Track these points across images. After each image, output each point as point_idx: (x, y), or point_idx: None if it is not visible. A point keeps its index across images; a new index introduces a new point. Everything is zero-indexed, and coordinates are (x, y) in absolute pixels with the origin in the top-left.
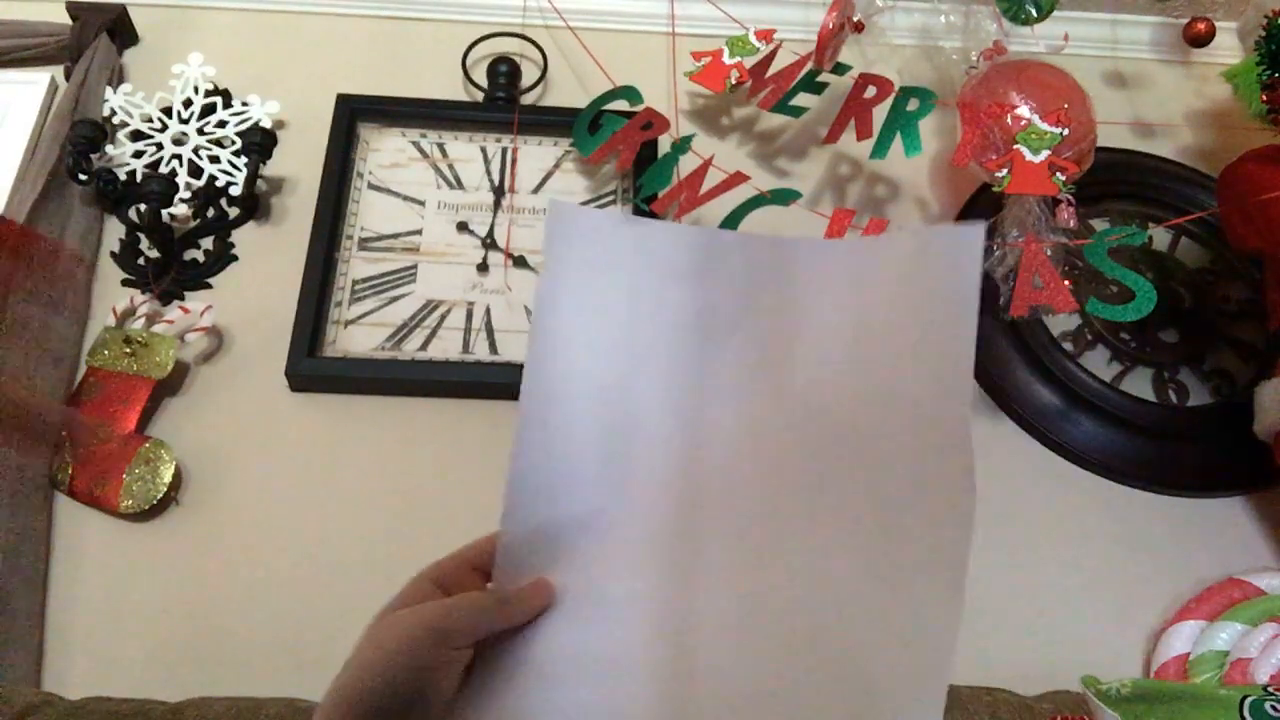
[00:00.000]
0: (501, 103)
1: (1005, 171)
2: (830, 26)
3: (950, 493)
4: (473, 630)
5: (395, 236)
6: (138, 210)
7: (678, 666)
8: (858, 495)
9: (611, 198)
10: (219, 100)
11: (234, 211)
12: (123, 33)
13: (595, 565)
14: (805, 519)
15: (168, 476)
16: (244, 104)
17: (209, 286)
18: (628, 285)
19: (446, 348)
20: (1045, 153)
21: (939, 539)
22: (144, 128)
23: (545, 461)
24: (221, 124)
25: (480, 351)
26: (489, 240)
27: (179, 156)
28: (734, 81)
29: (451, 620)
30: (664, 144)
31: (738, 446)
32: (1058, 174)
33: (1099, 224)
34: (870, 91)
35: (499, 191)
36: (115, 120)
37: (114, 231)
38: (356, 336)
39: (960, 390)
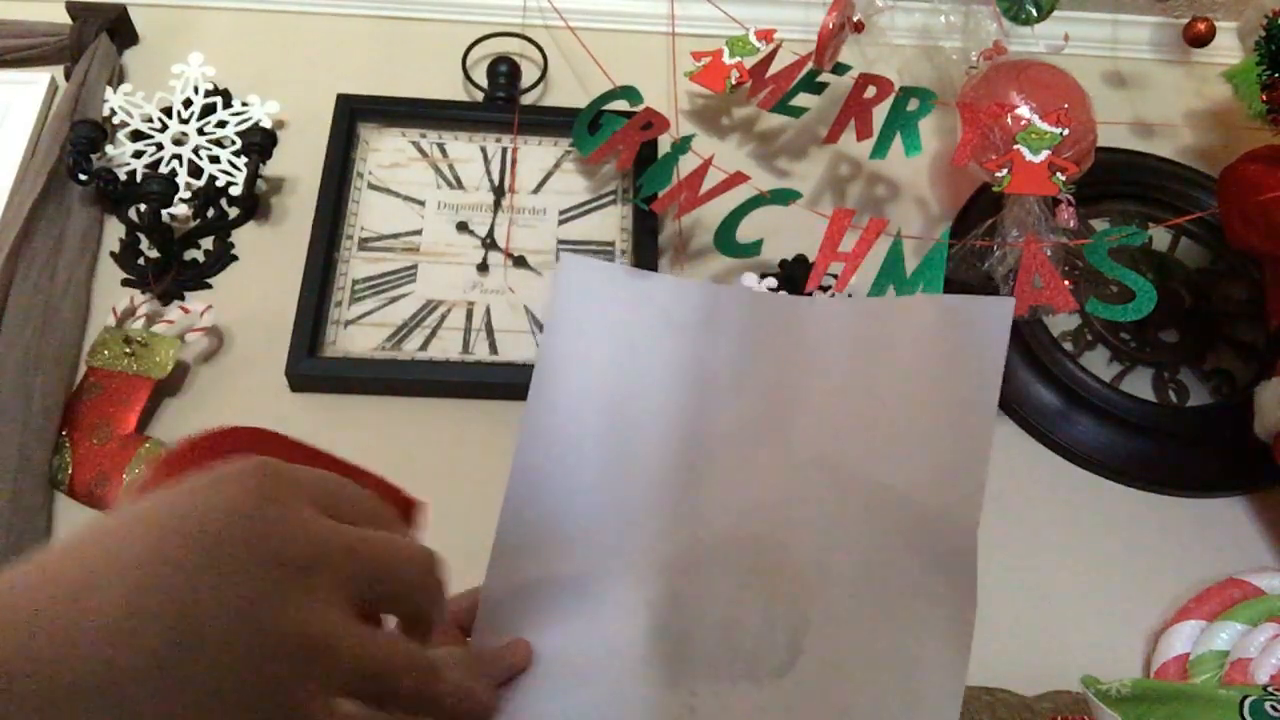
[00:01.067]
0: (501, 103)
1: (1005, 171)
2: (830, 26)
3: (951, 609)
4: None
5: (395, 236)
6: (138, 210)
7: None
8: (859, 580)
9: (611, 198)
10: (219, 100)
11: (234, 211)
12: (123, 33)
13: (578, 634)
14: (805, 591)
15: None
16: (244, 104)
17: (209, 286)
18: (630, 337)
19: (446, 348)
20: (1045, 153)
21: (939, 653)
22: (144, 128)
23: (537, 519)
24: (221, 124)
25: (480, 352)
26: (489, 240)
27: (179, 156)
28: (734, 81)
29: None
30: (664, 144)
31: (736, 510)
32: (1058, 174)
33: (1099, 224)
34: (870, 91)
35: (499, 191)
36: (115, 120)
37: (114, 231)
38: (356, 336)
39: (972, 502)
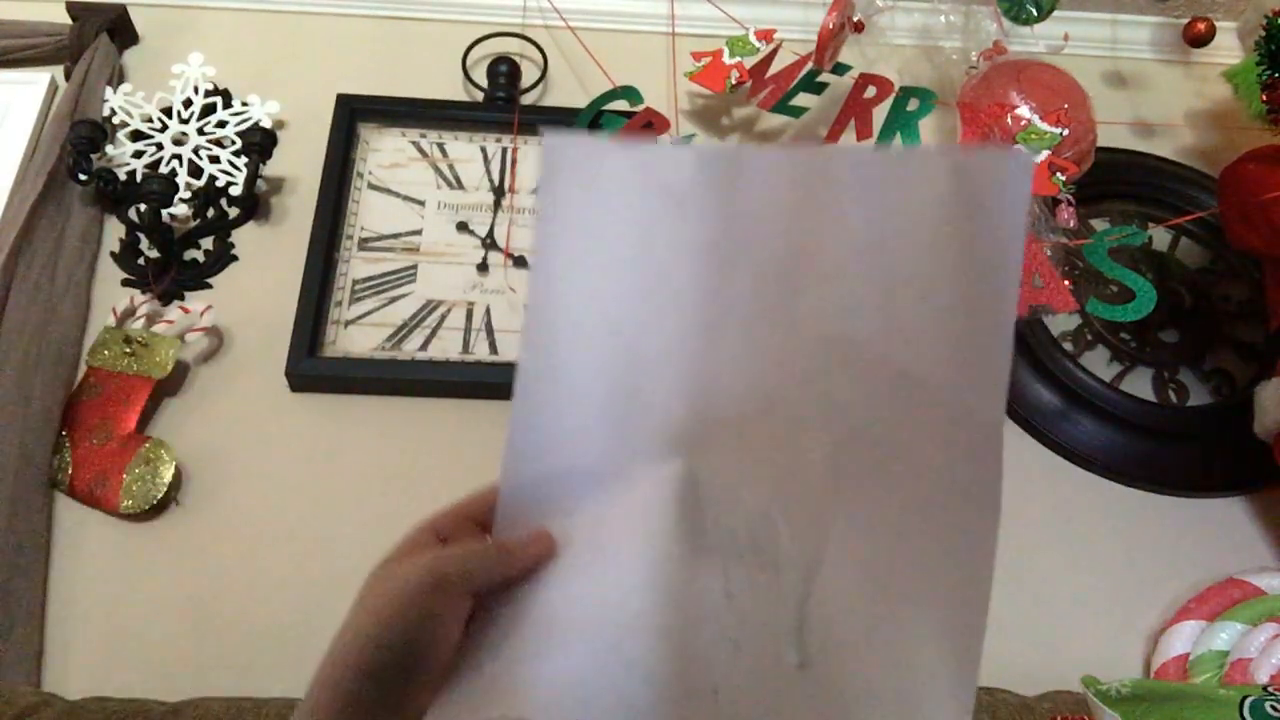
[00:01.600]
0: (501, 103)
1: None
2: (830, 26)
3: (973, 507)
4: (469, 579)
5: (395, 236)
6: (138, 210)
7: (686, 636)
8: (874, 483)
9: None
10: (219, 100)
11: (234, 211)
12: (123, 33)
13: (600, 519)
14: (822, 494)
15: (168, 476)
16: (244, 104)
17: (209, 286)
18: (630, 218)
19: (446, 348)
20: (1045, 153)
21: (956, 574)
22: (144, 128)
23: (548, 411)
24: (221, 124)
25: (480, 351)
26: (489, 240)
27: (179, 156)
28: (734, 81)
29: (447, 569)
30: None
31: (748, 391)
32: (1058, 174)
33: (1099, 224)
34: (870, 91)
35: (499, 191)
36: (115, 120)
37: (114, 231)
38: (356, 336)
39: (994, 392)
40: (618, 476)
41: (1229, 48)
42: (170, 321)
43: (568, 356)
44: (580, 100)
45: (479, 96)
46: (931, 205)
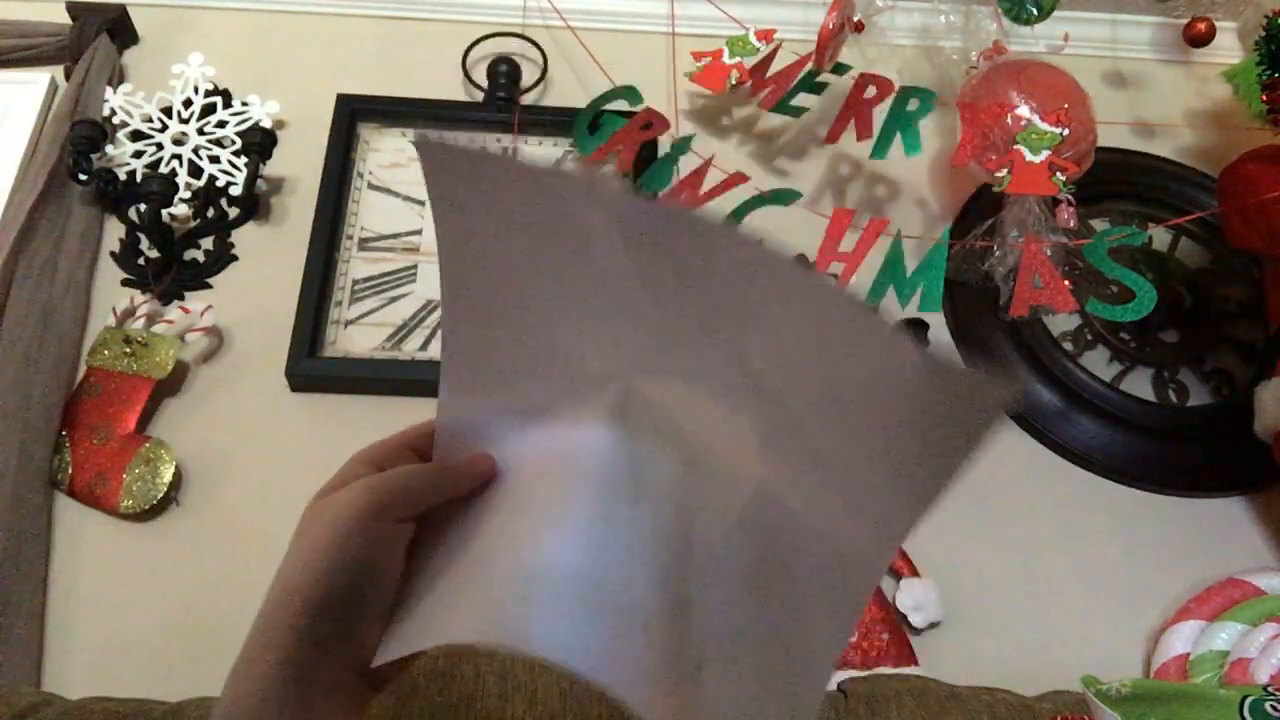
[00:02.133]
0: (501, 103)
1: (1005, 171)
2: (830, 26)
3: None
4: (409, 500)
5: (395, 236)
6: (138, 210)
7: (623, 573)
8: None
9: None
10: (219, 100)
11: (234, 211)
12: (123, 33)
13: (540, 448)
14: (739, 457)
15: (168, 476)
16: (244, 104)
17: (209, 286)
18: (547, 229)
19: None
20: (1045, 153)
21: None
22: (144, 128)
23: (480, 351)
24: (221, 124)
25: None
26: None
27: (179, 156)
28: (734, 81)
29: (386, 490)
30: (664, 144)
31: (686, 376)
32: (1058, 174)
33: (1099, 224)
34: (870, 91)
35: None
36: (115, 120)
37: (114, 231)
38: (356, 336)
39: (882, 551)
40: (556, 409)
41: (1229, 48)
42: (170, 321)
43: (490, 324)
44: (580, 100)
45: (479, 96)
46: (893, 390)
